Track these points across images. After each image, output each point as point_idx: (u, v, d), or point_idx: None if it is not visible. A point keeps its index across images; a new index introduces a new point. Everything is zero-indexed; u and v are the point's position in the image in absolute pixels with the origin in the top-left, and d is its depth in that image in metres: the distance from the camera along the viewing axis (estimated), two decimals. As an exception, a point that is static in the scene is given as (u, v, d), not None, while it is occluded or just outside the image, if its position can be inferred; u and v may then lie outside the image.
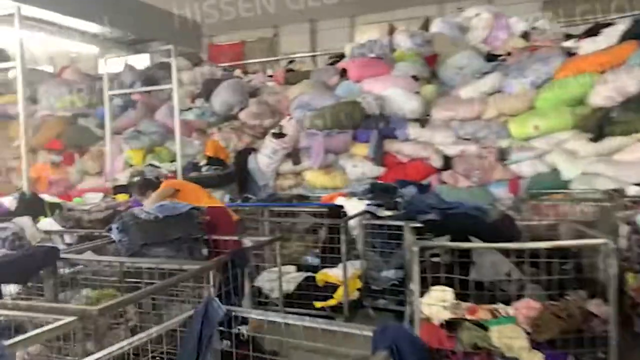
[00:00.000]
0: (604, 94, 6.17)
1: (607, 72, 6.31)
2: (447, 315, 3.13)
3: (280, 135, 7.21)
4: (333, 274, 4.64)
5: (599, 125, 6.08)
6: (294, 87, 9.17)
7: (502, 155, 6.62)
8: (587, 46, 7.22)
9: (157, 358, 2.24)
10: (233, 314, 2.23)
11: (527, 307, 3.09)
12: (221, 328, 2.30)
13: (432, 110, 7.38)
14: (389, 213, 4.83)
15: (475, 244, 3.33)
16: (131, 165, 8.36)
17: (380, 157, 7.14)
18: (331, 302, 4.52)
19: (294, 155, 7.33)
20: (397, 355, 1.81)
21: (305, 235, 5.26)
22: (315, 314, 4.55)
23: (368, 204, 5.00)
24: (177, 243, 3.75)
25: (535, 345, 2.94)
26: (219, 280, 3.03)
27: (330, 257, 4.70)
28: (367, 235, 4.70)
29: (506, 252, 3.34)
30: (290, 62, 12.32)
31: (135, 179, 5.68)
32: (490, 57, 8.00)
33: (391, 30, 9.83)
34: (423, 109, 7.42)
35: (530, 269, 3.29)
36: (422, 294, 3.17)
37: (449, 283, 3.19)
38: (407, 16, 13.05)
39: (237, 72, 11.23)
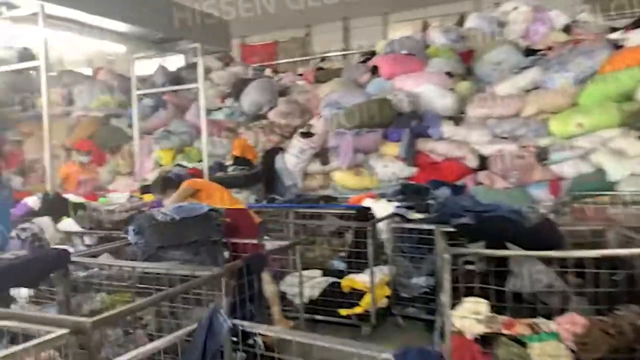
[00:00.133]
0: (655, 88, 5.73)
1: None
2: (481, 329, 2.86)
3: (308, 134, 7.01)
4: (360, 279, 4.39)
5: (649, 122, 5.65)
6: (324, 85, 8.97)
7: (542, 155, 6.23)
8: (635, 38, 6.75)
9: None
10: (240, 328, 2.02)
11: (571, 323, 2.78)
12: (234, 338, 2.11)
13: (467, 108, 7.05)
14: (419, 216, 4.56)
15: (513, 251, 3.03)
16: (161, 165, 8.34)
17: (412, 156, 6.84)
18: (357, 310, 4.28)
19: (322, 155, 7.10)
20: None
21: (331, 238, 5.02)
22: (340, 322, 4.34)
23: (397, 206, 4.74)
24: (195, 246, 3.58)
25: (581, 365, 2.64)
26: (233, 287, 2.84)
27: (357, 262, 4.46)
28: (396, 239, 4.44)
29: (548, 261, 3.03)
30: (322, 60, 12.13)
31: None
32: (529, 52, 7.60)
33: (425, 27, 9.55)
34: (457, 107, 7.10)
35: (575, 280, 2.98)
36: (453, 305, 2.91)
37: (483, 294, 2.92)
38: (441, 13, 12.70)
39: (268, 71, 11.11)
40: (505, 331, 2.82)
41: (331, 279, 4.54)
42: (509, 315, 2.85)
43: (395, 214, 4.63)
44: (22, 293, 3.44)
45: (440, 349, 2.85)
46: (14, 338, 2.27)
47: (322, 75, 9.84)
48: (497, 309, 2.87)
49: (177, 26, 6.37)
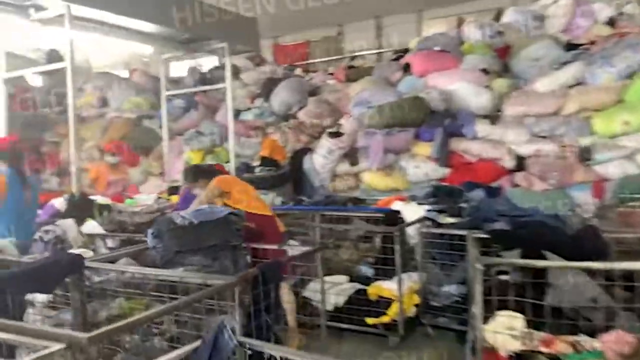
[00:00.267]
0: None
1: None
2: (516, 346, 2.63)
3: (336, 134, 6.82)
4: (387, 287, 4.17)
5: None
6: (354, 84, 8.77)
7: (585, 155, 5.88)
8: (686, 30, 6.32)
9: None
10: (248, 347, 1.86)
11: (618, 341, 2.52)
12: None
13: (503, 106, 6.73)
14: (451, 220, 4.31)
15: (552, 261, 2.78)
16: (190, 166, 8.31)
17: (445, 157, 6.58)
18: (384, 319, 4.07)
19: (352, 155, 6.91)
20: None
21: (358, 242, 4.82)
22: (366, 331, 4.14)
23: (428, 210, 4.50)
24: (214, 251, 3.45)
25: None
26: (248, 297, 2.69)
27: (385, 268, 4.25)
28: (426, 244, 4.21)
29: (591, 272, 2.76)
30: (352, 59, 11.95)
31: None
32: (571, 47, 7.22)
33: (460, 24, 9.24)
34: (493, 105, 6.80)
35: (623, 294, 2.70)
36: (486, 319, 2.68)
37: (519, 307, 2.68)
38: (477, 8, 12.28)
39: (298, 71, 10.99)
40: (543, 349, 2.58)
41: (357, 286, 4.34)
42: (548, 332, 2.61)
43: (425, 218, 4.40)
44: (39, 297, 3.39)
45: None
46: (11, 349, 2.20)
47: (353, 74, 9.63)
48: (534, 325, 2.62)
49: (204, 26, 6.27)
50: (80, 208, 5.08)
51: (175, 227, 3.50)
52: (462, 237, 3.79)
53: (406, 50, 9.32)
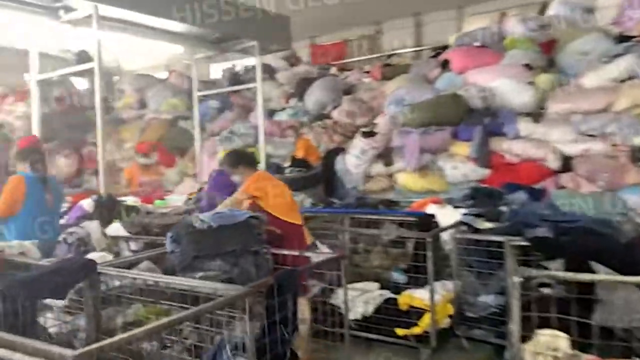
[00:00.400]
0: None
1: None
2: (560, 368, 2.34)
3: (370, 133, 6.58)
4: (419, 296, 3.92)
5: None
6: (390, 82, 8.51)
7: (638, 154, 5.45)
8: None
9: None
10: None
11: (678, 367, 2.21)
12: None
13: (547, 103, 6.33)
14: (489, 225, 4.01)
15: (602, 275, 2.48)
16: (224, 167, 8.26)
17: (485, 157, 6.23)
18: (415, 330, 3.82)
19: (386, 155, 6.65)
20: None
21: (389, 247, 4.57)
22: (396, 342, 3.90)
23: (464, 214, 4.22)
24: (233, 256, 3.29)
25: None
26: (264, 308, 2.51)
27: (417, 276, 3.99)
28: (462, 251, 3.93)
29: (647, 287, 2.45)
30: (389, 57, 11.67)
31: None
32: (622, 39, 6.75)
33: (502, 19, 8.84)
34: (537, 102, 6.40)
35: (684, 313, 2.39)
36: (526, 338, 2.41)
37: (562, 325, 2.40)
38: (521, 3, 11.79)
39: (333, 70, 10.80)
40: (590, 373, 2.29)
41: (387, 294, 4.10)
42: (596, 354, 2.32)
43: (461, 223, 4.12)
44: (58, 302, 3.31)
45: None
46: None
47: (390, 72, 9.35)
48: (580, 346, 2.33)
49: (234, 24, 6.15)
50: (108, 209, 5.05)
51: (194, 231, 3.35)
52: (500, 244, 3.51)
53: (445, 47, 8.99)
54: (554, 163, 5.92)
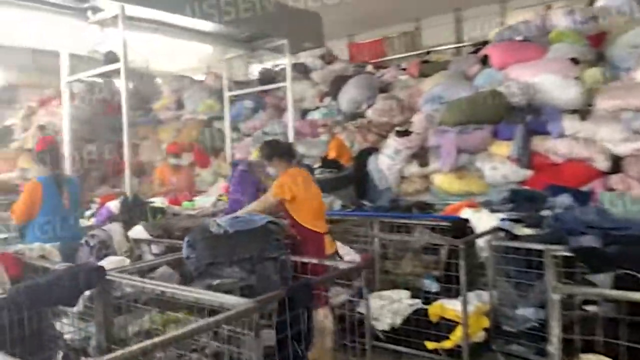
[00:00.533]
0: None
1: None
2: (606, 399, 2.06)
3: (404, 133, 6.31)
4: (452, 307, 3.65)
5: None
6: (428, 79, 8.21)
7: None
8: None
9: None
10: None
11: None
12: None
13: (596, 99, 5.91)
14: (529, 231, 3.70)
15: (657, 293, 2.17)
16: (258, 168, 8.17)
17: (526, 157, 5.88)
18: (446, 344, 3.55)
19: (421, 155, 6.36)
20: None
21: (421, 254, 4.31)
22: (425, 356, 3.65)
23: (502, 219, 3.91)
24: (250, 263, 3.12)
25: None
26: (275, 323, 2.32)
27: (449, 286, 3.72)
28: (498, 259, 3.63)
29: None
30: (427, 53, 11.34)
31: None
32: (680, 30, 6.26)
33: (547, 12, 8.40)
34: (584, 98, 5.99)
35: None
36: (566, 362, 2.13)
37: (610, 350, 2.11)
38: (567, -4, 11.25)
39: (369, 67, 10.55)
40: (642, 406, 2.00)
41: (417, 305, 3.84)
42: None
43: (498, 228, 3.82)
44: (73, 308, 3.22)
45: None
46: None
47: (428, 69, 9.04)
48: (630, 374, 2.05)
49: (264, 22, 6.01)
50: (134, 211, 4.99)
51: (210, 236, 3.21)
52: (541, 252, 3.22)
53: (486, 43, 8.61)
54: (602, 163, 5.52)
